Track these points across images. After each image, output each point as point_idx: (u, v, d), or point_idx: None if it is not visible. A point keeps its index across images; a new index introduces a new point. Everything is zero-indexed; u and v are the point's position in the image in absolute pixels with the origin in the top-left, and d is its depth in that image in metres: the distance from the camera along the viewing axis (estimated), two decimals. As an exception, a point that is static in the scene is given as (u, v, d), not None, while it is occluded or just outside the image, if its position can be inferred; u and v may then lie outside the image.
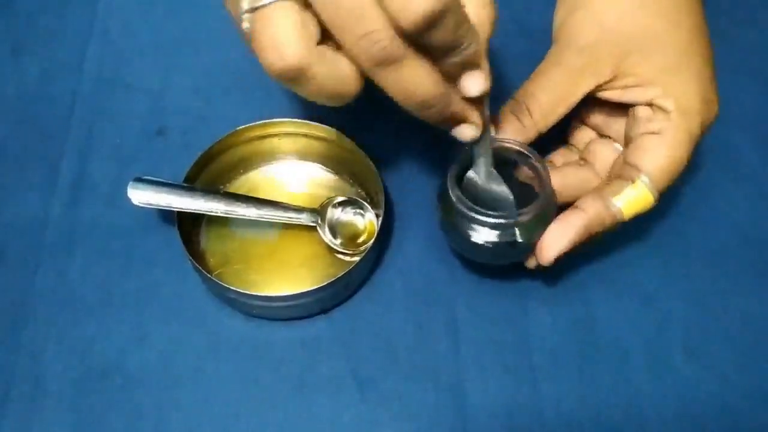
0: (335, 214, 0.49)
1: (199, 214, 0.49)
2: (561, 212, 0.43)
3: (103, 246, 0.50)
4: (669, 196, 0.52)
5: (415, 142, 0.54)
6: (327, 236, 0.48)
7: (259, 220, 0.48)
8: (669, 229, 0.51)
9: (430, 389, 0.45)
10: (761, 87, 0.58)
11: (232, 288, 0.43)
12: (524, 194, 0.43)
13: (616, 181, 0.42)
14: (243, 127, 0.49)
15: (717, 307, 0.49)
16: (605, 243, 0.50)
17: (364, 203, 0.50)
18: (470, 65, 0.35)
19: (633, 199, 0.42)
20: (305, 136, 0.51)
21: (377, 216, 0.48)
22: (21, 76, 0.57)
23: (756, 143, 0.55)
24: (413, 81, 0.33)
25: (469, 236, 0.42)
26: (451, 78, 0.35)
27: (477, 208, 0.41)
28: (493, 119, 0.43)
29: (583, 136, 0.48)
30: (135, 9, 0.61)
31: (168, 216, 0.46)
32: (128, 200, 0.46)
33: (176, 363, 0.46)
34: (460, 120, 0.38)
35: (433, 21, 0.30)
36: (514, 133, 0.43)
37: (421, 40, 0.31)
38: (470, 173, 0.43)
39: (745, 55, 0.59)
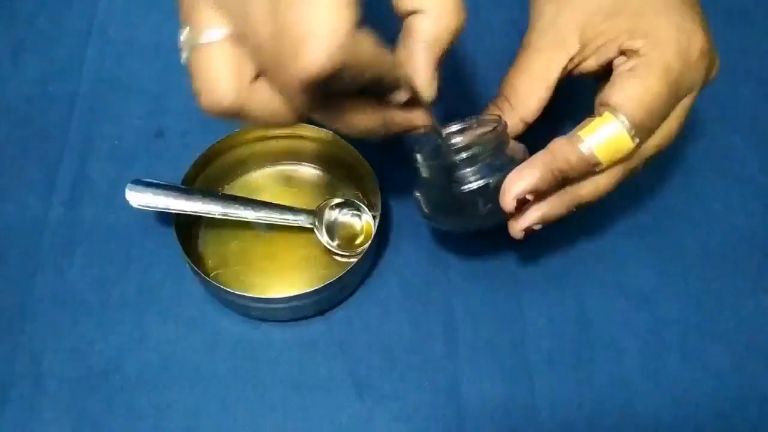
0: (332, 215, 0.50)
1: (198, 216, 0.49)
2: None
3: (102, 247, 0.50)
4: (665, 197, 0.53)
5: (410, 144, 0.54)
6: (324, 238, 0.48)
7: (257, 222, 0.48)
8: (664, 229, 0.51)
9: (426, 389, 0.46)
10: (757, 89, 0.58)
11: (230, 290, 0.44)
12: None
13: (585, 120, 0.40)
14: (241, 129, 0.49)
15: (712, 308, 0.49)
16: (601, 244, 0.50)
17: (361, 205, 0.50)
18: (396, 88, 0.35)
19: (605, 135, 0.38)
20: (303, 138, 0.51)
21: (374, 218, 0.48)
22: (21, 77, 0.57)
23: (752, 144, 0.55)
24: (346, 118, 0.33)
25: (443, 195, 0.41)
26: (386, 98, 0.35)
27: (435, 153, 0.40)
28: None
29: None
30: (134, 11, 0.61)
31: (167, 218, 0.46)
32: (127, 202, 0.46)
33: (174, 363, 0.46)
34: (408, 130, 0.38)
35: (323, 79, 0.29)
36: None
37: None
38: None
39: (741, 57, 0.59)
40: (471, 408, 0.45)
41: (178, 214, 0.46)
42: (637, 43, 0.39)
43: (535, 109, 0.42)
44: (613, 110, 0.38)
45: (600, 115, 0.39)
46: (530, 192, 0.38)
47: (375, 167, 0.48)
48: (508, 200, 0.38)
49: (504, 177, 0.39)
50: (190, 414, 0.45)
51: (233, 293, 0.44)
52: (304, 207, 0.49)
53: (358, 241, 0.49)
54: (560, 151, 0.38)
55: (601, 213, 0.51)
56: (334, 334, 0.47)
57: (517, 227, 0.41)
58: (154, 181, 0.47)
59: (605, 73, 0.42)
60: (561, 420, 0.45)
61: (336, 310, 0.48)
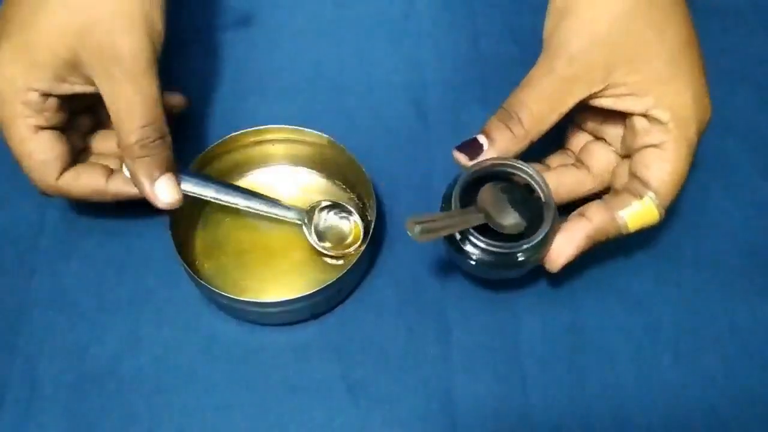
0: (322, 217, 0.50)
1: (194, 220, 0.49)
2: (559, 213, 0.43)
3: (98, 251, 0.50)
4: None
5: (407, 149, 0.55)
6: (312, 237, 0.49)
7: (253, 223, 0.48)
8: (660, 235, 0.51)
9: (420, 394, 0.46)
10: (755, 94, 0.58)
11: (225, 293, 0.44)
12: (529, 206, 0.43)
13: (623, 194, 0.43)
14: (237, 133, 0.50)
15: (706, 313, 0.49)
16: (596, 249, 0.51)
17: (350, 207, 0.50)
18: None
19: (639, 213, 0.43)
20: (299, 142, 0.51)
21: (369, 221, 0.48)
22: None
23: (749, 151, 0.55)
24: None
25: (469, 253, 0.42)
26: None
27: (487, 240, 0.41)
28: (482, 130, 0.43)
29: (579, 140, 0.48)
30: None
31: (162, 222, 0.47)
32: (121, 203, 0.47)
33: (169, 367, 0.46)
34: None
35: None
36: (505, 143, 0.43)
37: None
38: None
39: (738, 61, 0.59)
40: (464, 412, 0.45)
41: (174, 219, 0.46)
42: (665, 116, 0.42)
43: (544, 130, 0.43)
44: (645, 187, 0.43)
45: (638, 196, 0.43)
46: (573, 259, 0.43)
47: (370, 172, 0.48)
48: (555, 267, 0.44)
49: (544, 245, 0.42)
50: (185, 417, 0.45)
51: (228, 297, 0.44)
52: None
53: (346, 243, 0.50)
54: (602, 226, 0.43)
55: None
56: (329, 338, 0.47)
57: (556, 265, 0.44)
58: None
59: (605, 111, 0.44)
60: (554, 424, 0.45)
61: (330, 314, 0.48)
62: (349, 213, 0.50)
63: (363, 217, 0.50)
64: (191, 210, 0.50)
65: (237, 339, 0.47)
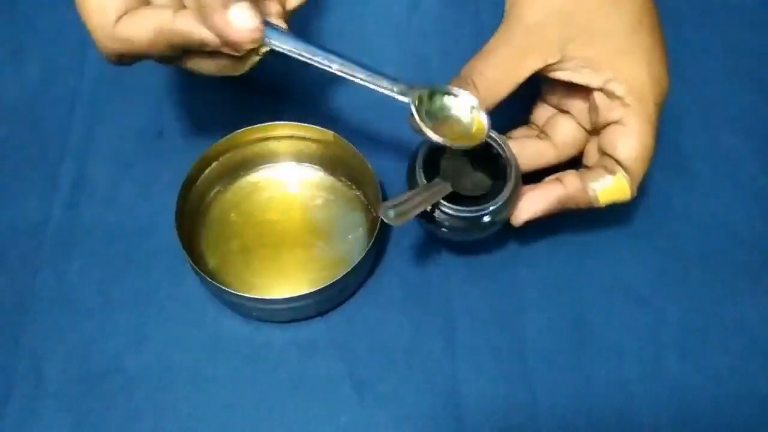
0: (435, 103, 0.42)
1: (199, 216, 0.49)
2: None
3: (103, 248, 0.50)
4: (664, 199, 0.53)
5: (412, 145, 0.54)
6: (422, 120, 0.41)
7: (259, 220, 0.48)
8: (664, 231, 0.52)
9: (426, 391, 0.46)
10: (760, 91, 0.58)
11: (230, 291, 0.44)
12: (492, 168, 0.45)
13: (597, 168, 0.44)
14: (242, 130, 0.49)
15: (711, 309, 0.49)
16: (602, 246, 0.51)
17: (468, 95, 0.42)
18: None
19: (610, 188, 0.44)
20: (304, 139, 0.51)
21: (375, 218, 0.48)
22: (22, 77, 0.57)
23: (751, 146, 0.55)
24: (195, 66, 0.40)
25: (440, 221, 0.43)
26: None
27: (456, 207, 0.42)
28: None
29: (542, 113, 0.49)
30: (135, 11, 0.61)
31: (167, 218, 0.46)
32: (126, 200, 0.47)
33: (174, 364, 0.46)
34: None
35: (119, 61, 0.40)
36: None
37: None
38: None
39: (741, 58, 0.59)
40: (470, 409, 0.45)
41: (179, 215, 0.46)
42: (620, 89, 0.42)
43: (499, 100, 0.43)
44: (617, 164, 0.43)
45: (611, 172, 0.43)
46: (538, 217, 0.44)
47: (376, 168, 0.48)
48: (518, 221, 0.44)
49: (510, 203, 0.43)
50: (189, 414, 0.45)
51: (233, 294, 0.44)
52: (305, 208, 0.49)
53: (470, 132, 0.42)
54: (574, 194, 0.44)
55: (599, 214, 0.51)
56: (334, 335, 0.47)
57: (517, 219, 0.45)
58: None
59: (567, 84, 0.44)
60: (560, 421, 0.45)
61: (336, 312, 0.48)
62: (468, 102, 0.42)
63: (368, 214, 0.50)
64: (197, 206, 0.49)
65: (242, 336, 0.47)
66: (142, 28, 0.37)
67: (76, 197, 0.52)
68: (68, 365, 0.46)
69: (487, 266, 0.50)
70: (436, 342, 0.47)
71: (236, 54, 0.38)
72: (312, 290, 0.44)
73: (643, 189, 0.53)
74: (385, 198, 0.48)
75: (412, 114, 0.41)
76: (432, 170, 0.44)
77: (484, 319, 0.48)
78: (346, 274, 0.44)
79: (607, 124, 0.43)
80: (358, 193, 0.52)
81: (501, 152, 0.44)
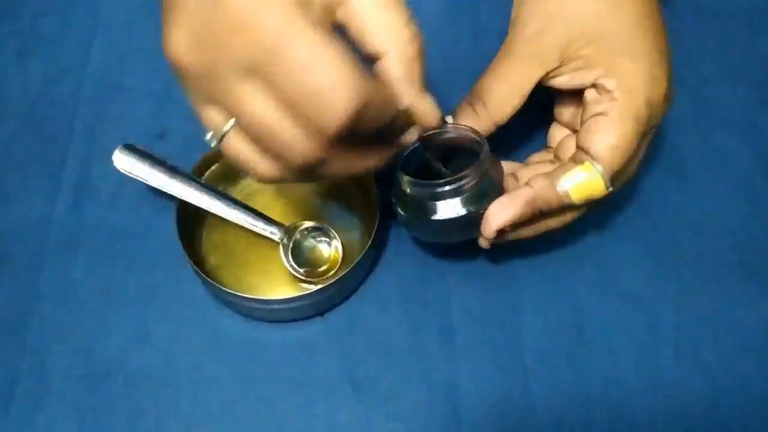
0: (302, 238, 0.49)
1: (201, 216, 0.50)
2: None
3: (106, 247, 0.51)
4: (660, 199, 0.53)
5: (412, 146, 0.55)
6: (288, 259, 0.48)
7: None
8: (659, 232, 0.52)
9: (424, 390, 0.46)
10: (757, 94, 0.58)
11: (231, 290, 0.44)
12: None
13: (567, 164, 0.43)
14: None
15: (706, 309, 0.49)
16: (597, 247, 0.51)
17: (333, 232, 0.49)
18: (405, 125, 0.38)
19: (582, 181, 0.41)
20: (303, 140, 0.51)
21: (374, 217, 0.48)
22: (25, 78, 0.58)
23: (747, 147, 0.55)
24: (343, 168, 0.35)
25: (425, 215, 0.43)
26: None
27: (420, 181, 0.42)
28: (453, 112, 0.45)
29: (557, 134, 0.48)
30: (137, 12, 0.61)
31: (169, 218, 0.47)
32: (128, 200, 0.47)
33: (176, 362, 0.47)
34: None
35: (355, 118, 0.31)
36: (470, 124, 0.44)
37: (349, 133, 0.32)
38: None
39: (738, 60, 0.59)
40: (468, 407, 0.46)
41: (181, 215, 0.47)
42: (611, 83, 0.41)
43: (508, 114, 0.43)
44: (592, 159, 0.41)
45: (580, 162, 0.41)
46: (510, 225, 0.42)
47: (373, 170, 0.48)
48: (489, 231, 0.42)
49: (485, 208, 0.42)
50: (191, 412, 0.45)
51: (234, 294, 0.45)
52: (301, 211, 0.50)
53: (321, 269, 0.49)
54: (541, 192, 0.42)
55: (596, 215, 0.52)
56: (333, 334, 0.48)
57: (484, 241, 0.44)
58: (146, 150, 0.48)
59: (570, 92, 0.44)
60: (556, 419, 0.46)
61: (335, 311, 0.49)
62: (331, 237, 0.49)
63: (368, 214, 0.50)
64: (198, 206, 0.50)
65: (243, 335, 0.48)
66: (380, 89, 0.34)
67: (79, 197, 0.52)
68: (71, 363, 0.47)
69: (485, 266, 0.50)
70: (435, 341, 0.48)
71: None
72: (311, 290, 0.44)
73: (638, 189, 0.53)
74: (384, 198, 0.49)
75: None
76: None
77: (482, 318, 0.49)
78: (345, 273, 0.45)
79: (590, 117, 0.42)
80: (356, 194, 0.52)
81: (472, 135, 0.43)
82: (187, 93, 0.34)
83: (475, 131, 0.43)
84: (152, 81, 0.58)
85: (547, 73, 0.43)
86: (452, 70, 0.59)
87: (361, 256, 0.46)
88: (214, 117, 0.34)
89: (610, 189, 0.41)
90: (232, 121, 0.33)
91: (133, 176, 0.48)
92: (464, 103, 0.45)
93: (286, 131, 0.32)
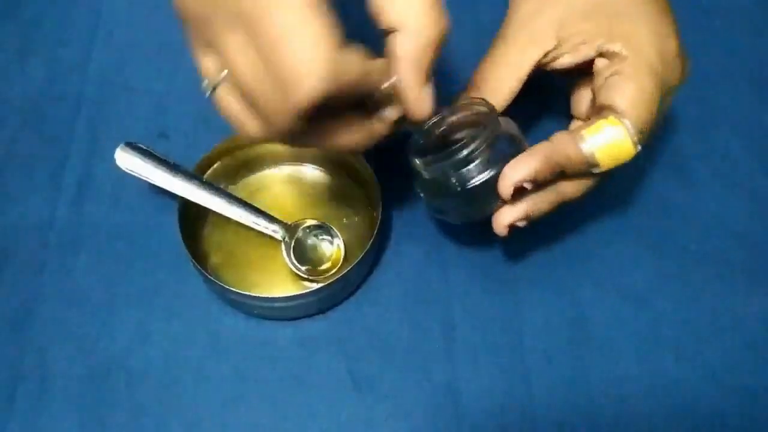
0: (304, 235, 0.49)
1: (203, 215, 0.50)
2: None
3: (108, 246, 0.51)
4: (662, 198, 0.53)
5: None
6: (290, 258, 0.48)
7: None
8: (662, 231, 0.52)
9: (425, 388, 0.46)
10: (759, 93, 0.58)
11: (233, 289, 0.44)
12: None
13: (591, 121, 0.40)
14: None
15: (708, 308, 0.49)
16: (599, 245, 0.51)
17: (335, 230, 0.49)
18: (386, 103, 0.37)
19: (610, 140, 0.39)
20: (305, 139, 0.51)
21: (376, 217, 0.48)
22: (27, 78, 0.58)
23: (749, 146, 0.56)
24: (332, 138, 0.36)
25: (452, 191, 0.41)
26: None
27: (434, 155, 0.41)
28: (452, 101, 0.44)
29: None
30: (139, 12, 0.61)
31: (171, 217, 0.47)
32: (130, 199, 0.47)
33: (178, 361, 0.47)
34: (388, 136, 0.39)
35: (322, 101, 0.31)
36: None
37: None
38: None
39: (739, 59, 0.59)
40: (469, 406, 0.46)
41: (183, 214, 0.47)
42: (616, 46, 0.40)
43: (506, 98, 0.43)
44: (619, 115, 0.39)
45: (605, 117, 0.39)
46: (529, 181, 0.39)
47: (376, 167, 0.49)
48: (506, 186, 0.39)
49: (489, 145, 0.40)
50: (193, 410, 0.45)
51: (236, 292, 0.45)
52: (306, 208, 0.50)
53: (323, 267, 0.49)
54: (561, 146, 0.39)
55: (597, 213, 0.52)
56: (335, 332, 0.48)
57: (502, 223, 0.41)
58: (147, 149, 0.48)
59: (578, 72, 0.43)
60: (557, 417, 0.46)
61: (336, 309, 0.49)
62: (333, 236, 0.49)
63: (369, 213, 0.50)
64: (199, 205, 0.50)
65: (244, 333, 0.48)
66: (358, 64, 0.33)
67: (81, 196, 0.52)
68: (74, 361, 0.47)
69: (486, 264, 0.51)
70: (436, 339, 0.48)
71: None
72: (313, 288, 0.44)
73: (640, 188, 0.53)
74: (384, 198, 0.49)
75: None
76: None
77: (483, 316, 0.49)
78: (347, 272, 0.45)
79: (604, 81, 0.41)
80: (358, 193, 0.52)
81: (483, 108, 0.41)
82: (188, 38, 0.35)
83: (479, 100, 0.41)
84: (154, 80, 0.58)
85: (546, 55, 0.42)
86: (453, 71, 0.59)
87: (363, 254, 0.46)
88: (210, 66, 0.34)
89: (639, 148, 0.39)
90: (224, 72, 0.34)
91: (134, 175, 0.48)
92: (462, 92, 0.44)
93: (266, 92, 0.32)
